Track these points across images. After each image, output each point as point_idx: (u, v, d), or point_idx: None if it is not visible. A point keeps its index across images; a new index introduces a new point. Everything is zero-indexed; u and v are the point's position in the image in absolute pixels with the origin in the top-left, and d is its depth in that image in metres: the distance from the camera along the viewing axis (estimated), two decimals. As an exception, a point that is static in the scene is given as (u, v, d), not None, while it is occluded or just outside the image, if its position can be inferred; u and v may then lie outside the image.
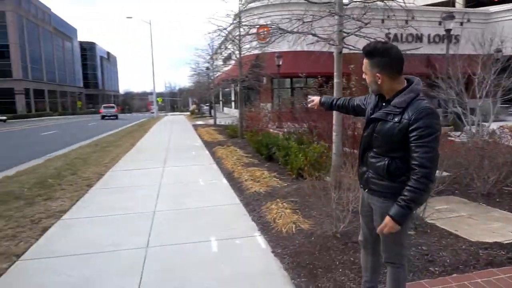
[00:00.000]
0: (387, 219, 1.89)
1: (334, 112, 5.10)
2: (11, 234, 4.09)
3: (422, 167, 1.80)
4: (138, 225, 4.34)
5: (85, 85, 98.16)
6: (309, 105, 2.58)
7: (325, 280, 2.85)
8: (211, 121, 25.39)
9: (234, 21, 12.01)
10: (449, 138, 6.85)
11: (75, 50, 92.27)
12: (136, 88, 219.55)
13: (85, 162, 9.09)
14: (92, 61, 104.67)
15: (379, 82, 1.94)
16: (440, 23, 19.81)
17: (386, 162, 1.96)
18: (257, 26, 17.71)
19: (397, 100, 1.91)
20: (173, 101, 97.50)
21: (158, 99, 69.10)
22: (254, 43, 13.18)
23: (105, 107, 46.23)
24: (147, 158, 9.60)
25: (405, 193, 1.84)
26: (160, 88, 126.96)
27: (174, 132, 18.54)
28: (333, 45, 4.67)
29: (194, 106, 54.36)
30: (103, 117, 43.53)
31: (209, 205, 5.10)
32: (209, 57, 21.53)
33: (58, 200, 5.51)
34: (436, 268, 2.90)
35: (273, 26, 5.98)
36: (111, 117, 43.14)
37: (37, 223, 4.47)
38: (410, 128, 1.83)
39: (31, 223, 4.45)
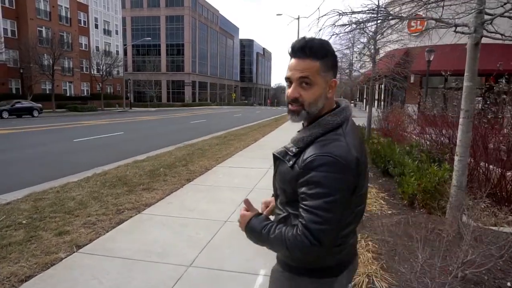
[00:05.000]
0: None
1: (461, 125, 3.65)
2: (92, 221, 4.34)
3: (306, 235, 1.15)
4: (200, 235, 4.02)
5: (241, 78, 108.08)
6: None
7: None
8: (347, 120, 24.02)
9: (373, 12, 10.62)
10: None
11: (235, 47, 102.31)
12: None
13: (203, 154, 9.55)
14: (249, 57, 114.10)
15: (329, 95, 1.28)
16: None
17: (283, 216, 1.34)
18: (410, 17, 15.49)
19: (298, 135, 1.31)
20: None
21: (303, 94, 70.59)
22: (394, 37, 11.45)
23: None
24: (260, 156, 9.45)
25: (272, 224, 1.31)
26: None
27: (304, 129, 18.14)
28: (462, 32, 3.27)
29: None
30: None
31: (287, 224, 4.42)
32: (348, 52, 20.18)
33: (153, 192, 5.75)
34: None
35: (381, 10, 4.73)
36: None
37: (119, 213, 4.67)
38: (299, 181, 1.21)
39: (114, 213, 4.68)
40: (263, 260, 3.33)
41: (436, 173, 4.45)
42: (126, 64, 54.58)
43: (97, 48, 48.27)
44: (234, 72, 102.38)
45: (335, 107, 1.31)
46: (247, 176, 7.12)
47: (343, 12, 4.44)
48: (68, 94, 43.58)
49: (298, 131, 1.34)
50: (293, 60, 1.26)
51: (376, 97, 31.97)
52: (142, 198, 5.38)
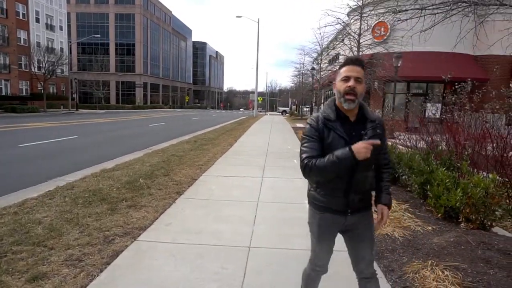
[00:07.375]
0: (384, 209, 2.05)
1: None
2: (76, 257, 3.27)
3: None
4: (228, 270, 3.14)
5: (194, 81, 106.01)
6: None
7: None
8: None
9: (356, 12, 10.32)
10: None
11: (188, 49, 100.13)
12: (239, 86, 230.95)
13: (180, 160, 8.52)
14: (202, 59, 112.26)
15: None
16: None
17: (371, 173, 2.03)
18: (376, 21, 15.57)
19: (371, 114, 2.01)
20: (272, 101, 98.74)
21: (258, 98, 70.69)
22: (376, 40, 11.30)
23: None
24: (244, 163, 8.63)
25: (387, 183, 2.11)
26: (261, 87, 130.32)
27: (274, 133, 17.60)
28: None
29: (294, 107, 53.49)
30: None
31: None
32: (316, 54, 20.07)
33: (142, 209, 4.72)
34: None
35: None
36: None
37: (110, 242, 3.62)
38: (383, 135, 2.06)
39: (103, 241, 3.62)
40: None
41: (481, 183, 3.98)
42: (71, 62, 50.48)
43: (39, 44, 44.08)
44: (187, 74, 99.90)
45: None
46: (243, 186, 6.29)
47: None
48: (3, 93, 39.21)
49: (359, 119, 2.00)
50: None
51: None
52: (131, 219, 4.34)
